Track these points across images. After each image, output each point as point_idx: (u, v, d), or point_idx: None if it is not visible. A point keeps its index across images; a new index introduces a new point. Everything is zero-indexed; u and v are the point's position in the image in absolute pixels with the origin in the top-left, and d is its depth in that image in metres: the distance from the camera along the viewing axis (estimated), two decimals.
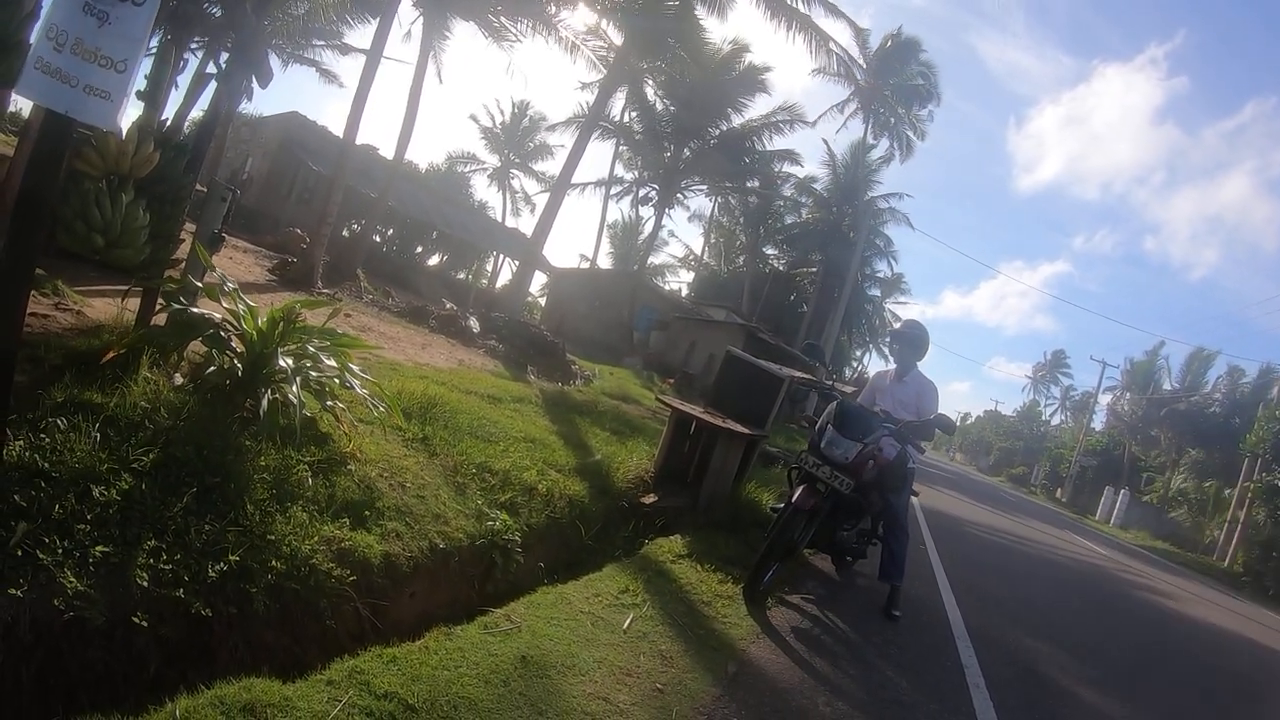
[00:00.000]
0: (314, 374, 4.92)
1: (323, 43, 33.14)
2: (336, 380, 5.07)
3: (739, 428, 7.91)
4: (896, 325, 7.80)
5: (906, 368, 7.09)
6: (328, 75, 35.71)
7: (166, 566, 3.06)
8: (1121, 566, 20.51)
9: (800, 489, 5.92)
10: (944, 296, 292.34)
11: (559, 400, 10.45)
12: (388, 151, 27.51)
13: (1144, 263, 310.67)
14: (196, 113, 26.48)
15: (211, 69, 24.91)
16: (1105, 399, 70.39)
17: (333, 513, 4.10)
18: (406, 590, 4.22)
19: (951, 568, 9.76)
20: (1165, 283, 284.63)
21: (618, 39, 23.66)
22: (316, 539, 3.78)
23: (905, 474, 6.79)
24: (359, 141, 21.27)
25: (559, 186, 23.95)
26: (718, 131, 36.51)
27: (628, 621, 4.46)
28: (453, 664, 3.33)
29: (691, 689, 3.91)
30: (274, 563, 3.46)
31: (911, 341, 7.09)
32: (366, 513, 4.32)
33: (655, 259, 63.25)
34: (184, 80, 25.75)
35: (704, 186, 42.82)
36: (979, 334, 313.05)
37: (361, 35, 30.69)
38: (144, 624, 2.87)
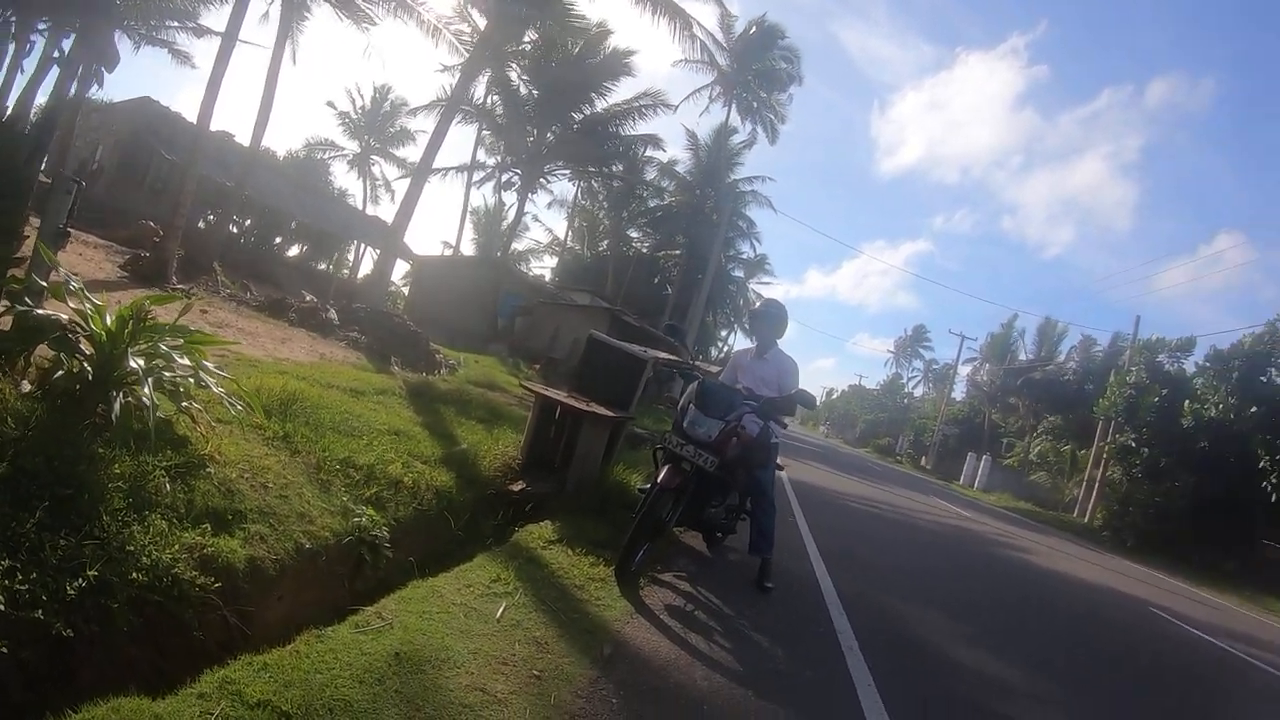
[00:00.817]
0: (167, 374, 4.83)
1: (177, 24, 31.83)
2: (191, 380, 5.00)
3: (603, 411, 8.09)
4: (755, 305, 8.01)
5: (767, 345, 7.34)
6: (181, 56, 34.32)
7: (22, 587, 3.00)
8: (987, 528, 21.55)
9: (666, 469, 6.11)
10: (808, 276, 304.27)
11: (423, 390, 10.43)
12: (245, 138, 26.69)
13: (1002, 242, 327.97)
14: (45, 99, 25.30)
15: (60, 53, 23.75)
16: (965, 370, 74.84)
17: (193, 518, 4.07)
18: (274, 594, 4.24)
19: (821, 538, 10.15)
20: (1022, 261, 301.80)
21: (481, 21, 23.47)
22: (177, 547, 3.74)
23: (769, 449, 7.05)
24: (215, 128, 20.57)
25: (420, 172, 23.68)
26: (581, 116, 36.73)
27: (501, 610, 4.53)
28: (326, 666, 3.33)
29: (568, 673, 4.00)
30: (135, 575, 3.42)
31: (770, 320, 7.35)
32: (228, 516, 4.30)
33: (519, 245, 64.48)
34: (31, 64, 24.43)
35: (567, 171, 43.11)
36: (843, 312, 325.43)
37: (218, 17, 29.68)
38: (2, 650, 2.82)
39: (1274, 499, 27.44)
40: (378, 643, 3.68)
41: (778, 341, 7.39)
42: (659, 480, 6.02)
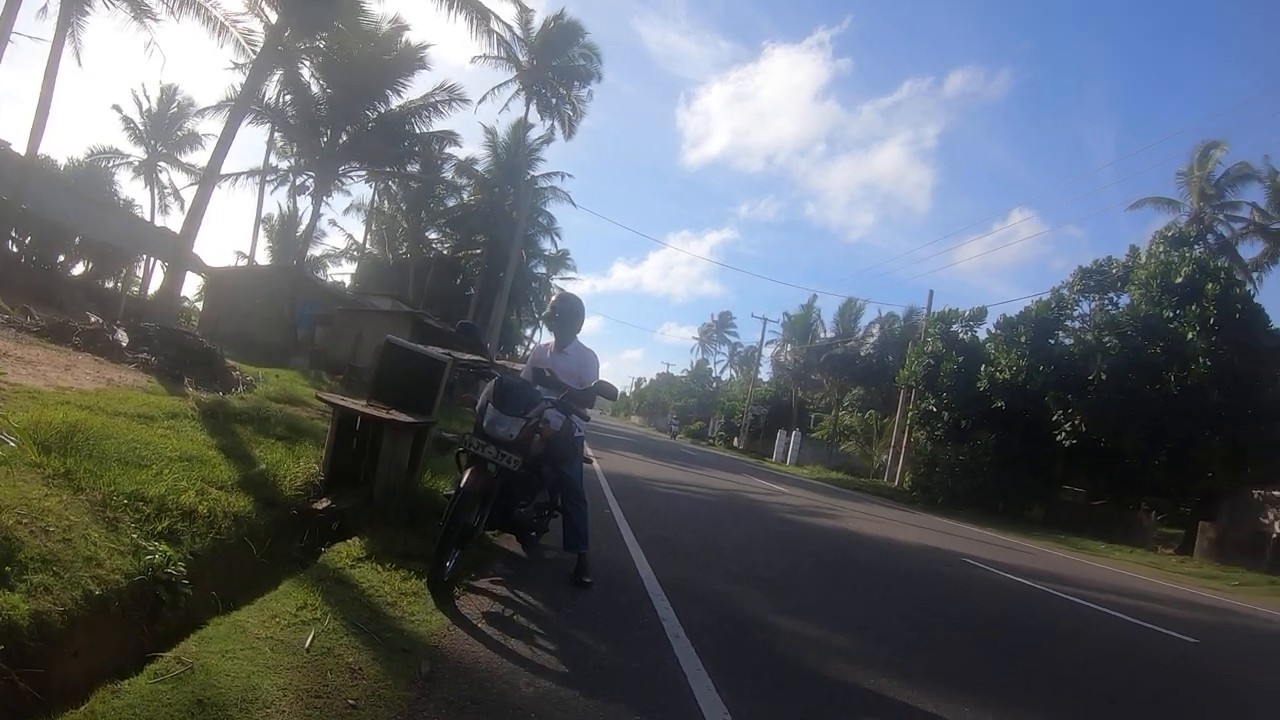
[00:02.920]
0: None
1: None
2: None
3: (403, 417, 8.06)
4: (551, 300, 8.17)
5: (565, 339, 7.57)
6: None
7: None
8: (802, 500, 22.59)
9: (469, 471, 6.16)
10: (614, 270, 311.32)
11: (218, 411, 10.06)
12: (23, 147, 24.97)
13: (805, 227, 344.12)
14: None
15: None
16: (769, 351, 78.04)
17: None
18: (68, 649, 4.08)
19: (639, 527, 10.44)
20: (825, 244, 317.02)
21: (273, 16, 22.81)
22: None
23: (574, 443, 7.24)
24: None
25: (208, 177, 22.90)
26: (375, 114, 36.51)
27: (310, 639, 4.43)
28: None
29: (386, 698, 3.93)
30: None
31: (566, 314, 7.55)
32: (7, 568, 4.08)
33: (316, 251, 64.79)
34: None
35: (363, 172, 42.80)
36: (649, 302, 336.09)
37: None
38: None
39: (1067, 445, 30.03)
40: (178, 691, 3.53)
41: (576, 334, 7.62)
42: (462, 484, 6.06)
